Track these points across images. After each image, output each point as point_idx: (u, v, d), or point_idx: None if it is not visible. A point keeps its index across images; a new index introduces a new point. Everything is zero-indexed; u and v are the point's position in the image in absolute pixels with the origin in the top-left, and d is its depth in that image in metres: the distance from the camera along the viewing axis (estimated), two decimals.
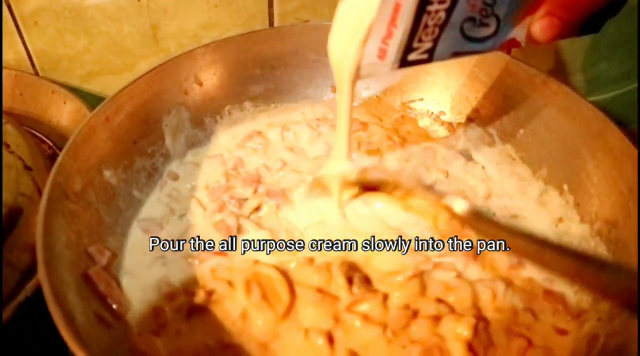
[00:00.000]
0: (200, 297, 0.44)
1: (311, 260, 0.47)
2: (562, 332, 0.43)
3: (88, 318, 0.40)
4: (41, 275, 0.37)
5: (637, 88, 0.73)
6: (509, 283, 0.46)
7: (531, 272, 0.47)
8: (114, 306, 0.43)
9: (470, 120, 0.61)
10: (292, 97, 0.65)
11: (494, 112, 0.60)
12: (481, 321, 0.43)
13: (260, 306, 0.43)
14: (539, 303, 0.45)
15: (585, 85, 0.74)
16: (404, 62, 0.39)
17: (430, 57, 0.40)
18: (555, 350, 0.42)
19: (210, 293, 0.44)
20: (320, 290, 0.45)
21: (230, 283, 0.45)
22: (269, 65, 0.64)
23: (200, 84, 0.61)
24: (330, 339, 0.42)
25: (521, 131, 0.57)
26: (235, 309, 0.43)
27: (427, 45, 0.39)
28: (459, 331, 0.42)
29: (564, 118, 0.53)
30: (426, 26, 0.37)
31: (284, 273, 0.46)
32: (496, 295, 0.45)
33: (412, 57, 0.39)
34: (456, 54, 0.40)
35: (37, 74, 0.75)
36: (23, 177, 0.57)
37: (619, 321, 0.40)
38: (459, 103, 0.62)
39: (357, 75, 0.41)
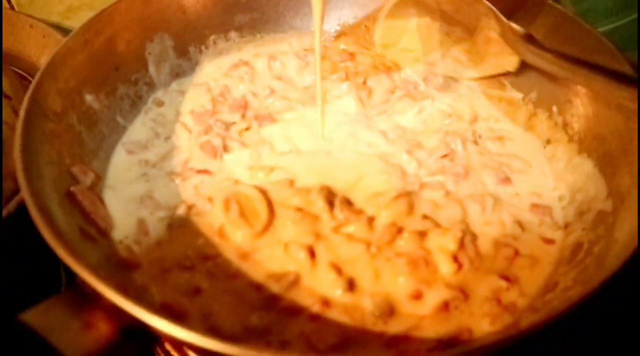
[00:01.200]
0: (181, 210, 0.44)
1: (291, 183, 0.47)
2: (549, 242, 0.44)
3: (73, 232, 0.40)
4: (22, 184, 0.37)
5: (632, 21, 0.71)
6: (496, 198, 0.46)
7: (518, 188, 0.47)
8: (99, 223, 0.43)
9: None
10: (278, 27, 0.63)
11: None
12: (468, 235, 0.43)
13: (238, 223, 0.43)
14: (526, 216, 0.45)
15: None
16: None
17: None
18: (540, 258, 0.42)
19: (190, 207, 0.44)
20: (300, 210, 0.45)
21: (210, 200, 0.45)
22: None
23: (184, 12, 0.59)
24: (312, 253, 0.42)
25: None
26: (214, 224, 0.43)
27: None
28: (444, 244, 0.42)
29: (555, 38, 0.52)
30: None
31: (264, 193, 0.46)
32: (485, 210, 0.45)
33: None
34: None
35: (13, 9, 0.72)
36: (3, 106, 0.55)
37: (603, 227, 0.41)
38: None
39: None
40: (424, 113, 0.55)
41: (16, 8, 0.72)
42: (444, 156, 0.49)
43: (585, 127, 0.49)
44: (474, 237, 0.44)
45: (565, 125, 0.51)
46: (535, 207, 0.46)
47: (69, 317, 0.31)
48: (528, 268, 0.42)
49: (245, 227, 0.43)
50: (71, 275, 0.46)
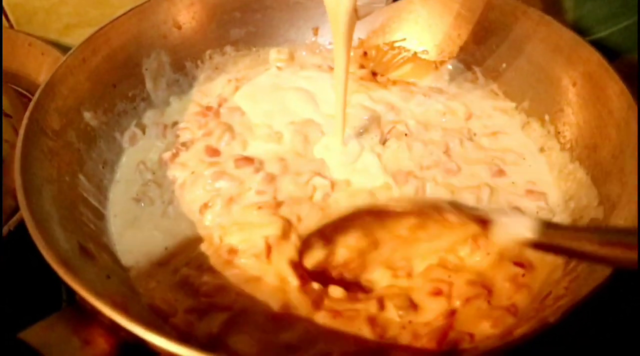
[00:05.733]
0: None
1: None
2: None
3: (73, 250, 0.40)
4: (21, 203, 0.37)
5: (632, 24, 0.71)
6: (493, 188, 0.48)
7: (513, 178, 0.49)
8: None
9: (453, 58, 0.61)
10: (273, 40, 0.64)
11: (477, 49, 0.59)
12: None
13: None
14: (523, 202, 0.47)
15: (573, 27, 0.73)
16: None
17: None
18: None
19: None
20: None
21: None
22: (249, 8, 0.62)
23: (179, 28, 0.60)
24: None
25: (504, 66, 0.57)
26: None
27: None
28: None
29: (545, 48, 0.53)
30: None
31: None
32: (480, 200, 0.46)
33: None
34: None
35: (12, 28, 0.73)
36: (3, 124, 0.56)
37: None
38: (442, 41, 0.61)
39: (354, 18, 0.41)
40: (421, 109, 0.56)
41: (15, 26, 0.73)
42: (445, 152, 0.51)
43: (576, 135, 0.49)
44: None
45: (558, 134, 0.52)
46: (530, 192, 0.48)
47: (68, 334, 0.31)
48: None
49: None
50: (72, 292, 0.47)
